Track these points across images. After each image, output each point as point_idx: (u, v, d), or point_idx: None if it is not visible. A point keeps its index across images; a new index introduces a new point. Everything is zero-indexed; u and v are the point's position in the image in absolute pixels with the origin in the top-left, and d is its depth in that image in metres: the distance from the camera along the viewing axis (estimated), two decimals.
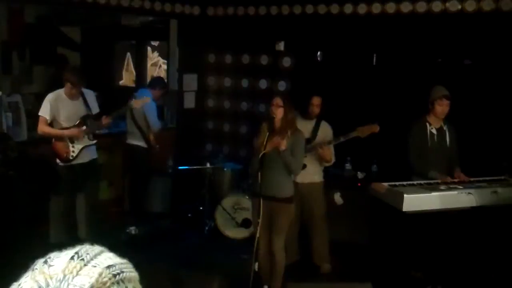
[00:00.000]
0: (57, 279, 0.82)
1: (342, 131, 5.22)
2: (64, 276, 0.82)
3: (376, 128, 5.11)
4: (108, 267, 0.86)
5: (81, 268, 0.84)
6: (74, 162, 5.25)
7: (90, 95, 5.38)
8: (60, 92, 5.19)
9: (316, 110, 5.20)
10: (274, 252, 4.60)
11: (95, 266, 0.85)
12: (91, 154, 5.38)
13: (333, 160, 5.28)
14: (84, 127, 5.22)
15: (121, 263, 0.89)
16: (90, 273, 0.83)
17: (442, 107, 4.88)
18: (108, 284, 0.84)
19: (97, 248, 0.89)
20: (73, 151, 5.21)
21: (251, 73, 7.18)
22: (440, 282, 4.78)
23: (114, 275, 0.85)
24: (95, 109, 5.38)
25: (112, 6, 6.29)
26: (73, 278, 0.82)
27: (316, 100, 5.19)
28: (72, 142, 5.21)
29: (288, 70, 6.86)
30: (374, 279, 3.70)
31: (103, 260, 0.87)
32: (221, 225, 6.17)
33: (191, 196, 6.78)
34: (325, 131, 5.25)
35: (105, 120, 5.30)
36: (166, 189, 7.06)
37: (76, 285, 0.82)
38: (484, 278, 4.75)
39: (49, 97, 5.16)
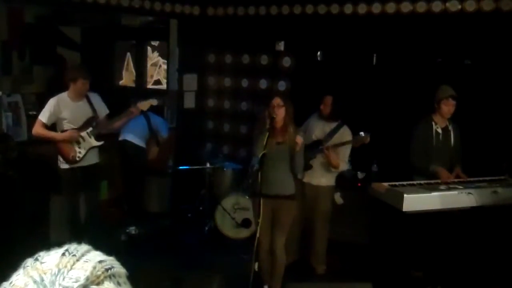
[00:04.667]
0: (51, 274, 0.83)
1: None
2: (59, 270, 0.84)
3: (367, 139, 4.96)
4: (100, 261, 0.88)
5: (74, 263, 0.85)
6: (78, 165, 5.19)
7: (96, 97, 5.31)
8: (63, 95, 5.13)
9: (326, 109, 5.10)
10: (275, 250, 4.60)
11: (87, 261, 0.86)
12: (94, 158, 5.32)
13: (343, 167, 5.11)
14: (90, 129, 5.17)
15: (111, 259, 0.91)
16: (84, 267, 0.85)
17: (448, 107, 4.89)
18: (101, 277, 0.85)
19: (85, 246, 0.91)
20: (79, 152, 5.14)
21: (251, 73, 7.18)
22: (440, 282, 4.78)
23: (107, 269, 0.87)
24: (104, 111, 5.32)
25: (112, 6, 6.29)
26: (67, 271, 0.84)
27: (327, 100, 5.09)
28: (78, 143, 5.15)
29: (288, 70, 6.86)
30: (374, 279, 3.71)
31: (93, 256, 0.89)
32: (221, 225, 6.17)
33: (191, 196, 6.78)
34: (343, 135, 5.09)
35: (117, 124, 5.31)
36: (165, 189, 7.07)
37: (71, 278, 0.83)
38: (484, 278, 4.75)
39: (52, 101, 5.09)
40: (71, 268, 0.84)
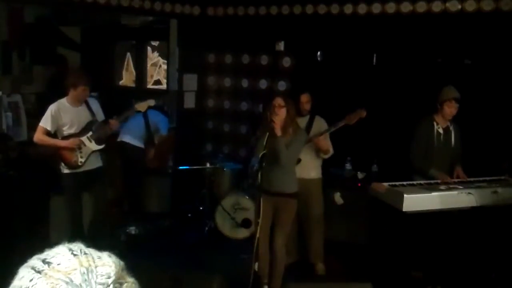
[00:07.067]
0: (81, 273, 0.84)
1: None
2: (87, 268, 0.84)
3: (363, 113, 5.11)
4: (109, 256, 0.90)
5: (94, 260, 0.86)
6: (81, 170, 5.14)
7: (94, 103, 5.30)
8: (62, 101, 5.08)
9: (305, 107, 5.20)
10: (275, 249, 4.59)
11: (100, 258, 0.88)
12: (97, 162, 5.28)
13: (332, 151, 5.22)
14: (90, 133, 5.14)
15: (107, 254, 0.92)
16: (106, 263, 0.87)
17: (451, 109, 4.89)
18: (121, 272, 0.88)
19: (79, 244, 0.92)
20: (81, 157, 5.09)
21: (251, 73, 7.18)
22: (440, 282, 4.78)
23: (119, 262, 0.90)
24: (101, 117, 5.29)
25: (112, 6, 6.28)
26: (95, 268, 0.85)
27: (304, 98, 5.19)
28: (79, 148, 5.09)
29: (288, 70, 6.86)
30: (374, 279, 3.70)
31: (95, 252, 0.90)
32: (221, 225, 6.17)
33: (191, 196, 6.78)
34: (319, 125, 5.24)
35: (113, 123, 5.22)
36: (165, 189, 7.07)
37: (103, 275, 0.84)
38: (484, 278, 4.75)
39: (51, 107, 5.03)
40: (96, 266, 0.85)
